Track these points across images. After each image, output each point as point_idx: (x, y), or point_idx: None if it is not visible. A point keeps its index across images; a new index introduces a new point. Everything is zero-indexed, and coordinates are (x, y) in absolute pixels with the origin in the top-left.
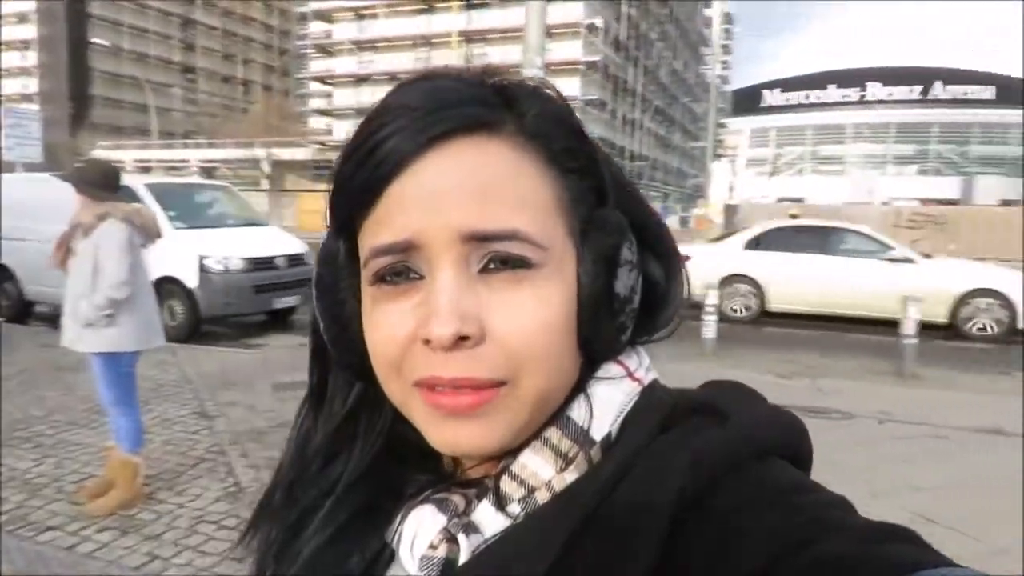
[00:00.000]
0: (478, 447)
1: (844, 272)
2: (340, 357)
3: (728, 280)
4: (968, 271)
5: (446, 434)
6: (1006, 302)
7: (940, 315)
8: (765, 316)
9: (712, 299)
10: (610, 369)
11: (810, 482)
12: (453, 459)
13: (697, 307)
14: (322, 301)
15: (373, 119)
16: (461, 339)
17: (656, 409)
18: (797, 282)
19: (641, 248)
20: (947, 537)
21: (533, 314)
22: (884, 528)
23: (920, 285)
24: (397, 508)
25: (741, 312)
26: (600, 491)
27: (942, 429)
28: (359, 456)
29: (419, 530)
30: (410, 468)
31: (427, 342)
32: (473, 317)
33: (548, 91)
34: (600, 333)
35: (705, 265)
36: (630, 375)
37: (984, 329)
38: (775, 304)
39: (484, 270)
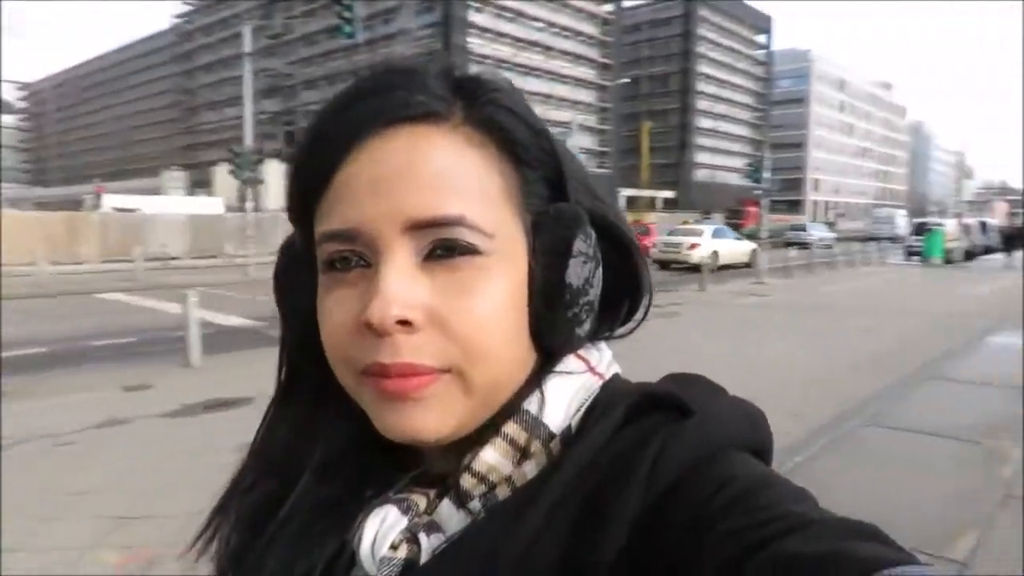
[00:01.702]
0: (423, 431)
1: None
2: (299, 347)
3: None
4: None
5: (392, 419)
6: None
7: None
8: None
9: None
10: (569, 363)
11: (773, 476)
12: (416, 457)
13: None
14: (281, 290)
15: (326, 108)
16: (403, 324)
17: (618, 403)
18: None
19: (602, 244)
20: None
21: (479, 302)
22: (848, 525)
23: None
24: (359, 507)
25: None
26: (563, 486)
27: None
28: (322, 451)
29: (380, 531)
30: (373, 466)
31: (369, 327)
32: (416, 303)
33: (504, 84)
34: (553, 324)
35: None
36: (591, 369)
37: None
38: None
39: (430, 257)
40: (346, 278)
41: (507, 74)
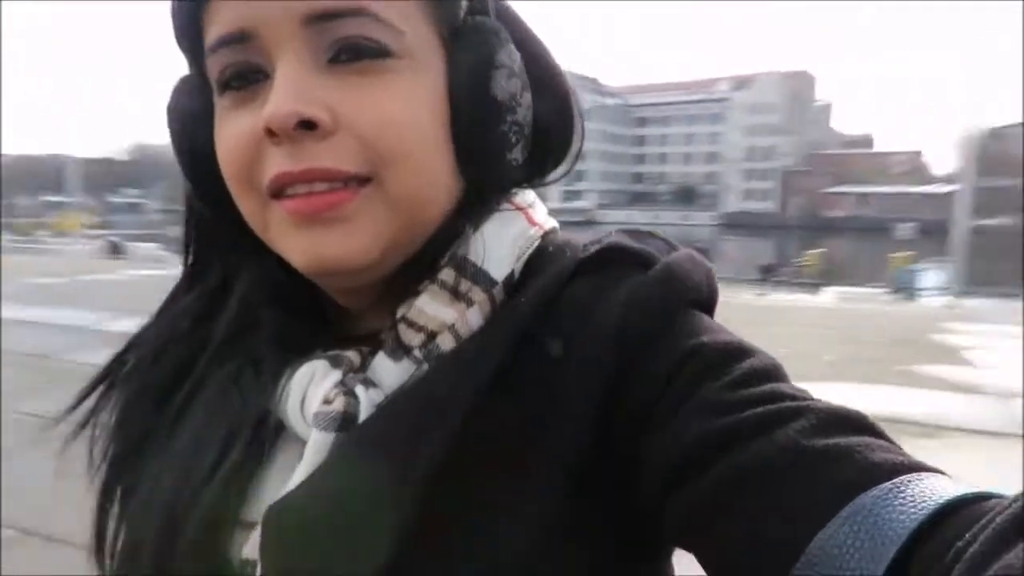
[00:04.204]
0: (342, 257)
1: None
2: (199, 189)
3: None
4: None
5: (305, 245)
6: None
7: None
8: None
9: None
10: (503, 206)
11: (743, 343)
12: (342, 316)
13: None
14: (175, 130)
15: None
16: (307, 126)
17: (568, 251)
18: None
19: (529, 80)
20: None
21: (392, 104)
22: (841, 415)
23: None
24: (280, 370)
25: None
26: (519, 331)
27: None
28: (235, 311)
29: (310, 386)
30: (294, 326)
31: (270, 133)
32: (320, 103)
33: None
34: (478, 141)
35: None
36: (528, 217)
37: None
38: None
39: (335, 61)
40: (243, 96)
41: None
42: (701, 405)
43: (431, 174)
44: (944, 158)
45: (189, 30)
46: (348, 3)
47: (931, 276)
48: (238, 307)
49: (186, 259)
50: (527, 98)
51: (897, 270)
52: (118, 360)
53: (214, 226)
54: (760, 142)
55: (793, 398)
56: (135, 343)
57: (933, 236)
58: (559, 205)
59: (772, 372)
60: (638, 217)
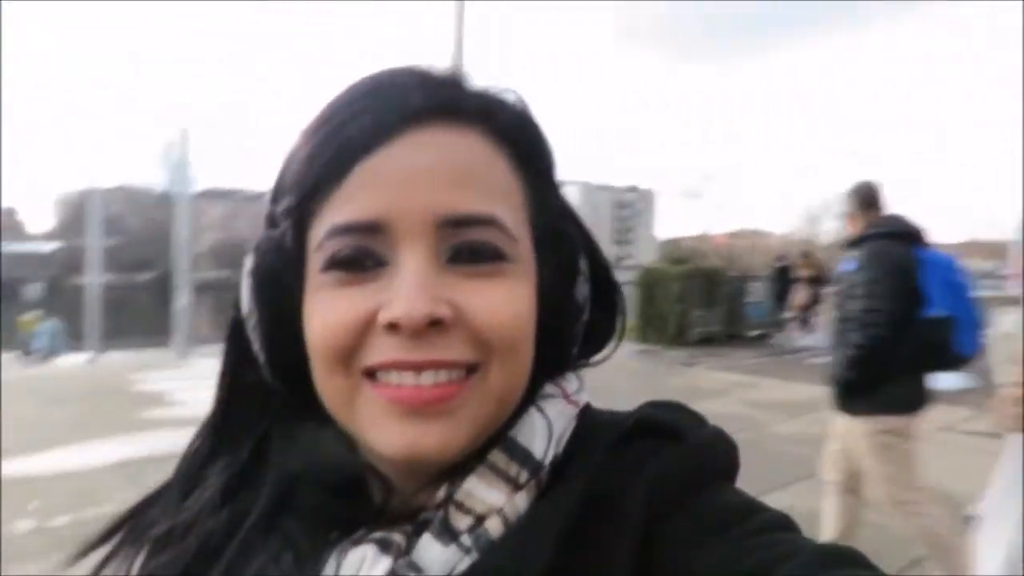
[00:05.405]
0: (441, 450)
1: None
2: (275, 356)
3: None
4: None
5: (403, 435)
6: None
7: None
8: None
9: None
10: (548, 389)
11: (756, 503)
12: (385, 491)
13: None
14: (263, 292)
15: (345, 97)
16: (433, 324)
17: (602, 431)
18: None
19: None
20: None
21: (505, 305)
22: (833, 552)
23: None
24: (319, 549)
25: None
26: (565, 519)
27: None
28: (270, 487)
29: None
30: (333, 502)
31: (392, 327)
32: (445, 301)
33: (514, 97)
34: (557, 340)
35: None
36: (566, 397)
37: None
38: None
39: (453, 260)
40: (352, 278)
41: None
42: (719, 555)
43: (525, 366)
44: (40, 216)
45: (309, 199)
46: (483, 212)
47: (59, 335)
48: (275, 486)
49: (217, 421)
50: (589, 297)
51: (27, 332)
52: (134, 515)
53: (264, 394)
54: None
55: (794, 542)
56: (153, 501)
57: (63, 294)
58: None
59: (781, 523)
60: None
